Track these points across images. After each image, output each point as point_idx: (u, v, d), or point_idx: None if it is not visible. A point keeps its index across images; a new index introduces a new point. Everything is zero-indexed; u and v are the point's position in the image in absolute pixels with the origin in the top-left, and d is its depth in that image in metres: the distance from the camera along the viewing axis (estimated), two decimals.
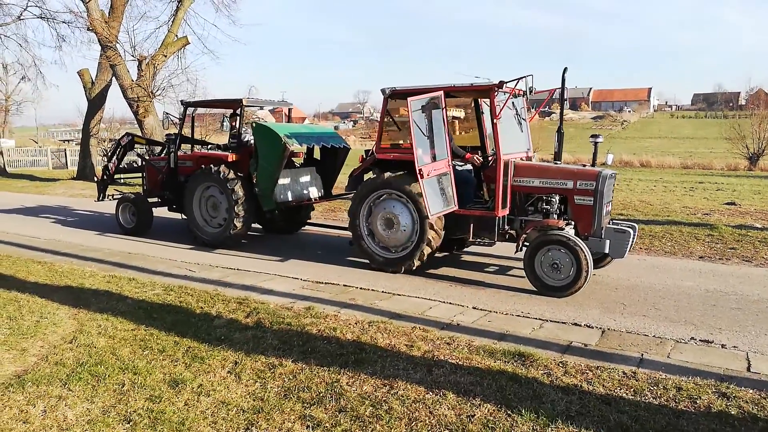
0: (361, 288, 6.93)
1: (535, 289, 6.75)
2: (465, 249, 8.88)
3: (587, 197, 6.81)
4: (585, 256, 6.38)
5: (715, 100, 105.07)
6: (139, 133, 17.77)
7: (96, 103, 21.91)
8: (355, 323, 5.51)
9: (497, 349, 4.84)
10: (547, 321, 5.77)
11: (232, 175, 8.95)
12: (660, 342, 5.18)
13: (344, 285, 7.06)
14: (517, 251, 7.14)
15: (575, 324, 5.66)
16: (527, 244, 6.91)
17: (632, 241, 6.90)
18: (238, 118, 9.68)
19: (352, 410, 3.80)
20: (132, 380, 4.23)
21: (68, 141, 51.45)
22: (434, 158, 6.86)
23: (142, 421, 3.66)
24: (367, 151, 8.04)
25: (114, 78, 19.69)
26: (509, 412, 3.76)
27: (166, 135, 11.19)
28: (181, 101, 10.26)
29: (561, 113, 7.51)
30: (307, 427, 3.62)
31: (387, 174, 7.47)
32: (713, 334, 5.39)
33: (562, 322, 5.72)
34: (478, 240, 7.38)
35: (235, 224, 8.99)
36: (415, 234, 7.43)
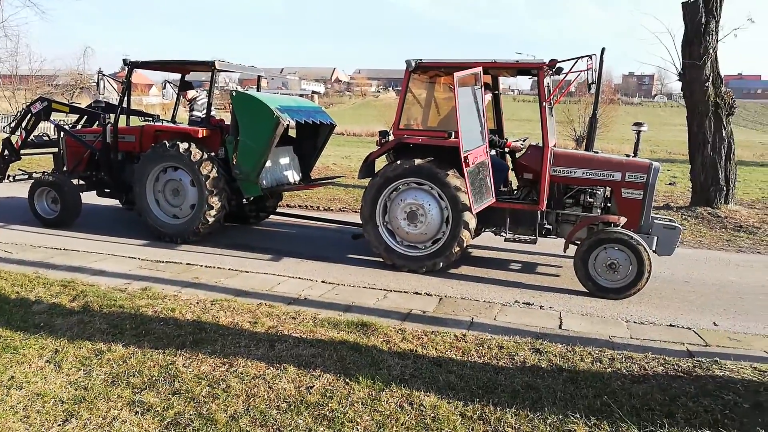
0: (206, 266, 6.66)
1: (586, 290, 6.21)
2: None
3: (636, 190, 6.40)
4: (647, 256, 5.94)
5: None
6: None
7: None
8: (197, 303, 5.28)
9: (341, 321, 4.94)
10: (391, 291, 6.01)
11: (202, 155, 7.46)
12: (489, 306, 5.66)
13: (187, 264, 6.73)
14: (565, 250, 6.64)
15: (416, 293, 5.97)
16: (578, 242, 6.45)
17: (679, 239, 6.57)
18: (208, 85, 7.90)
19: (187, 392, 3.65)
20: None
21: None
22: (473, 144, 6.22)
23: None
24: (382, 132, 7.17)
25: None
26: (347, 380, 3.87)
27: (94, 102, 9.51)
28: (124, 60, 8.07)
29: (596, 98, 7.07)
30: (136, 412, 3.41)
31: (417, 160, 6.58)
32: (534, 297, 6.01)
33: (405, 292, 6.00)
34: (516, 236, 6.79)
35: (207, 214, 7.51)
36: (443, 227, 6.67)
